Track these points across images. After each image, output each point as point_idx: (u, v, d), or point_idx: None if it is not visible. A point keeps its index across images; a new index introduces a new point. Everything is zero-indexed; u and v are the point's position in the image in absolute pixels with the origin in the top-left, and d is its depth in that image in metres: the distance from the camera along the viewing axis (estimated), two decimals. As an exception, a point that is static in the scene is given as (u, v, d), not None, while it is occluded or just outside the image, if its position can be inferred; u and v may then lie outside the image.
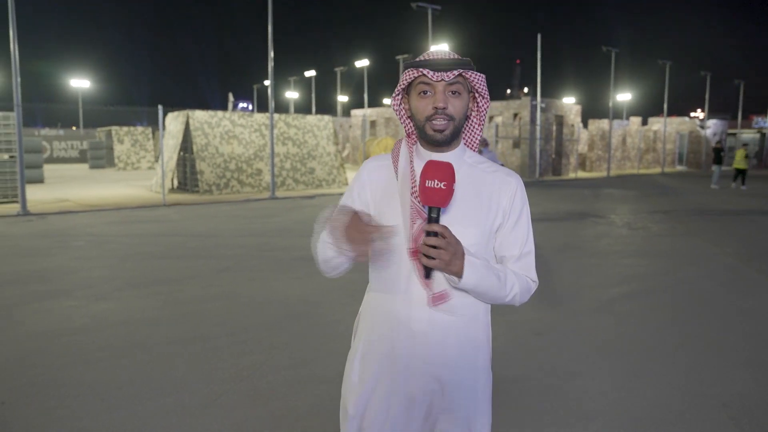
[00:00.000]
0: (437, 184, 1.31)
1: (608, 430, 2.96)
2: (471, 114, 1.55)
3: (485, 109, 1.53)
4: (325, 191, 17.15)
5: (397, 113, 1.56)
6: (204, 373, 3.59)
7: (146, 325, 4.53)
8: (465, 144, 1.58)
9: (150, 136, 28.72)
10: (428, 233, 1.32)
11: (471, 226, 1.45)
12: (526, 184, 18.96)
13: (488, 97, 1.52)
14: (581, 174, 27.59)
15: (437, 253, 1.31)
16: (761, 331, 4.57)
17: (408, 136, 1.56)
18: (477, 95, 1.51)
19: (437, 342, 1.47)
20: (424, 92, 1.43)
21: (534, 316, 4.83)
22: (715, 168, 20.32)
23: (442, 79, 1.41)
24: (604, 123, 29.84)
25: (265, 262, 7.01)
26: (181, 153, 16.81)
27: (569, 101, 32.51)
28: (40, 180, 18.81)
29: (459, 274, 1.36)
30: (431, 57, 1.43)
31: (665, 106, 32.97)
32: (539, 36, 24.14)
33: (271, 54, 16.05)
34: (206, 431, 2.88)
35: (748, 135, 41.38)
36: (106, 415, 3.03)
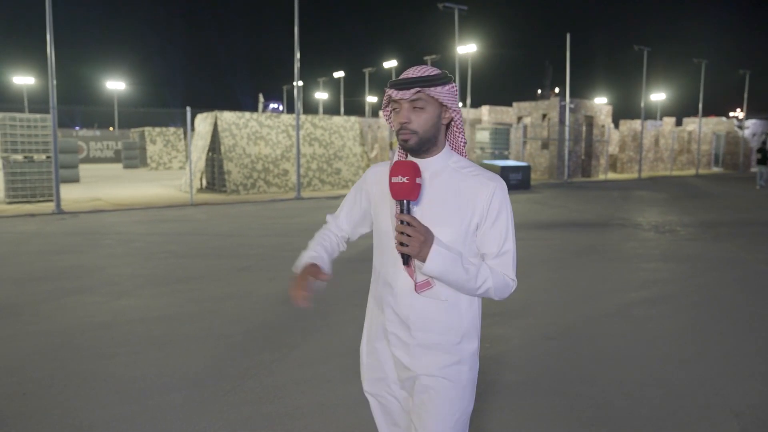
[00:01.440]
0: (401, 179, 1.51)
1: (612, 437, 2.92)
2: (452, 122, 1.69)
3: (459, 118, 1.67)
4: (350, 192, 17.25)
5: (390, 126, 1.74)
6: (214, 370, 3.68)
7: (163, 322, 4.66)
8: (453, 149, 1.72)
9: (181, 136, 29.39)
10: (400, 223, 1.49)
11: (446, 226, 1.59)
12: (554, 186, 18.52)
13: (457, 106, 1.65)
14: (612, 175, 27.07)
15: (408, 240, 1.48)
16: (784, 340, 4.43)
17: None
18: (446, 107, 1.64)
19: (420, 328, 1.65)
20: (395, 109, 1.63)
21: (548, 320, 4.78)
22: (761, 169, 19.86)
23: (402, 98, 1.58)
24: (636, 123, 29.21)
25: (284, 262, 7.11)
26: (210, 153, 17.15)
27: (601, 101, 31.94)
28: (75, 179, 19.41)
29: (425, 261, 1.50)
30: (400, 77, 1.60)
31: (700, 105, 32.05)
32: (568, 36, 23.78)
33: (297, 56, 16.24)
34: (211, 427, 2.96)
35: (790, 135, 39.91)
36: (117, 408, 3.14)
